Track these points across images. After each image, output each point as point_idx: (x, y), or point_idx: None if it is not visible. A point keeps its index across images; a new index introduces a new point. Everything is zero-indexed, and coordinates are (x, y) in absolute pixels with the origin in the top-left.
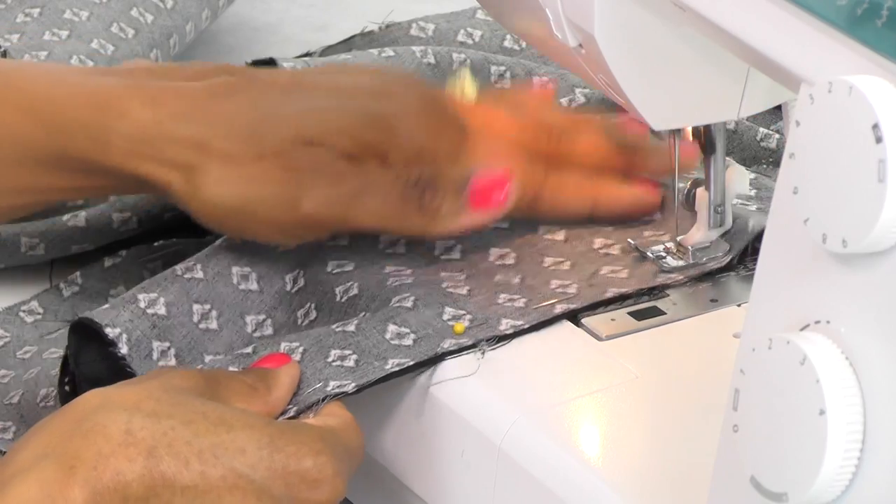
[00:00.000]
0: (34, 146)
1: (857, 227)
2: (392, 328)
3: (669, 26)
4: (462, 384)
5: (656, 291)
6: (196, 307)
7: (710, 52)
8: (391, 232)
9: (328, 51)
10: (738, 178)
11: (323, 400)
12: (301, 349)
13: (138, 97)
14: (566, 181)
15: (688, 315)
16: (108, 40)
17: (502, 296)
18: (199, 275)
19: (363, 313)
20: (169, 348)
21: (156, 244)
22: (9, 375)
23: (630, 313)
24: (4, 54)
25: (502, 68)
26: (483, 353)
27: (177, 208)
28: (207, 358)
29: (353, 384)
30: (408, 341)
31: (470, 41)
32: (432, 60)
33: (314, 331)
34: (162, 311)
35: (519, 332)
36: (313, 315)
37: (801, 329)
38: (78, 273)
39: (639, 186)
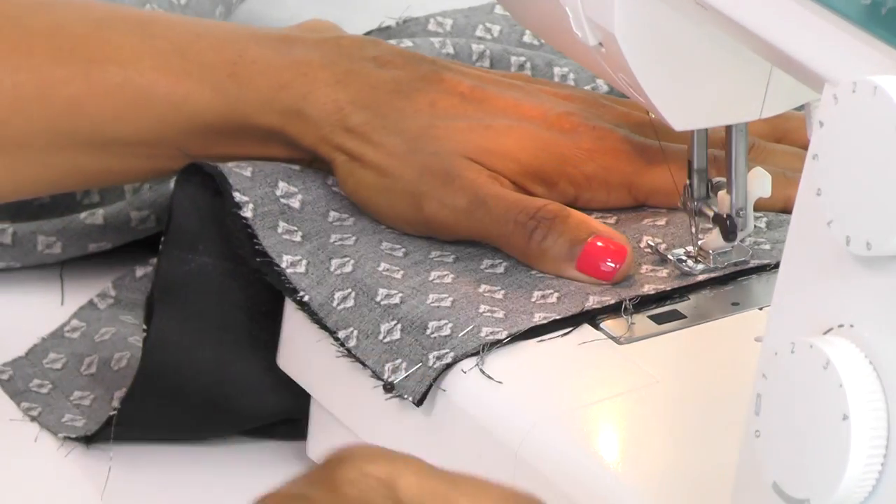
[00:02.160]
0: (217, 119)
1: (882, 229)
2: (536, 293)
3: (691, 25)
4: (479, 388)
5: (676, 295)
6: (333, 213)
7: (731, 52)
8: (503, 249)
9: None
10: (760, 182)
11: (483, 349)
12: (451, 299)
13: (323, 78)
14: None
15: (709, 318)
16: None
17: (535, 293)
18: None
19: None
20: (296, 231)
21: None
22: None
23: (650, 317)
24: None
25: (522, 59)
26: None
27: None
28: (335, 262)
29: (506, 332)
30: (552, 300)
31: (488, 36)
32: (451, 51)
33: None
34: (296, 205)
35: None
36: (448, 280)
37: (824, 333)
38: (110, 285)
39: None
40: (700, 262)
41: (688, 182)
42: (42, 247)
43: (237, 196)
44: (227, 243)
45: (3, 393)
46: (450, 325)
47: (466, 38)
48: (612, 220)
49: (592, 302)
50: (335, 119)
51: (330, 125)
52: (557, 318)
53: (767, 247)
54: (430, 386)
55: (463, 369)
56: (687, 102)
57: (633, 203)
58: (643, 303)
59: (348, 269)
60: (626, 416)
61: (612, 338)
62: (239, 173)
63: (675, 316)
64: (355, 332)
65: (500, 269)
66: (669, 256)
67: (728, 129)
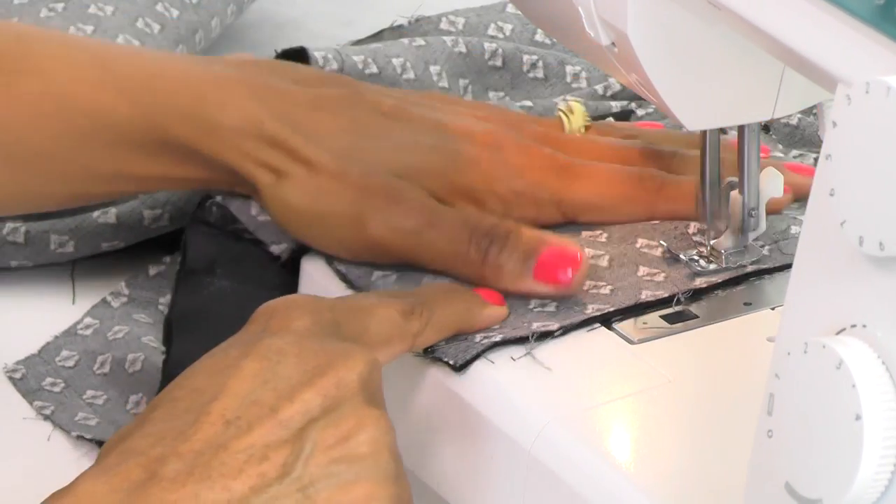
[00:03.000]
0: (133, 131)
1: (895, 229)
2: (588, 282)
3: (704, 25)
4: (492, 387)
5: (689, 295)
6: None
7: (744, 52)
8: (451, 275)
9: (357, 44)
10: (772, 181)
11: (531, 337)
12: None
13: (242, 90)
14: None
15: (721, 319)
16: (133, 36)
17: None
18: None
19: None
20: None
21: None
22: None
23: (662, 317)
24: None
25: (534, 58)
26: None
27: None
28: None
29: (558, 324)
30: (605, 291)
31: (501, 35)
32: (463, 50)
33: None
34: None
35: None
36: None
37: (837, 333)
38: (123, 283)
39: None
40: (712, 261)
41: (699, 182)
42: (55, 245)
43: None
44: (244, 266)
45: (15, 391)
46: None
47: (479, 36)
48: (602, 239)
49: (646, 295)
50: (255, 131)
51: (250, 139)
52: (611, 309)
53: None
54: (477, 356)
55: (513, 357)
56: (699, 102)
57: (563, 220)
58: (655, 303)
59: (391, 271)
60: (638, 416)
61: (625, 338)
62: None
63: (687, 316)
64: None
65: (657, 252)
66: (682, 256)
67: (740, 129)
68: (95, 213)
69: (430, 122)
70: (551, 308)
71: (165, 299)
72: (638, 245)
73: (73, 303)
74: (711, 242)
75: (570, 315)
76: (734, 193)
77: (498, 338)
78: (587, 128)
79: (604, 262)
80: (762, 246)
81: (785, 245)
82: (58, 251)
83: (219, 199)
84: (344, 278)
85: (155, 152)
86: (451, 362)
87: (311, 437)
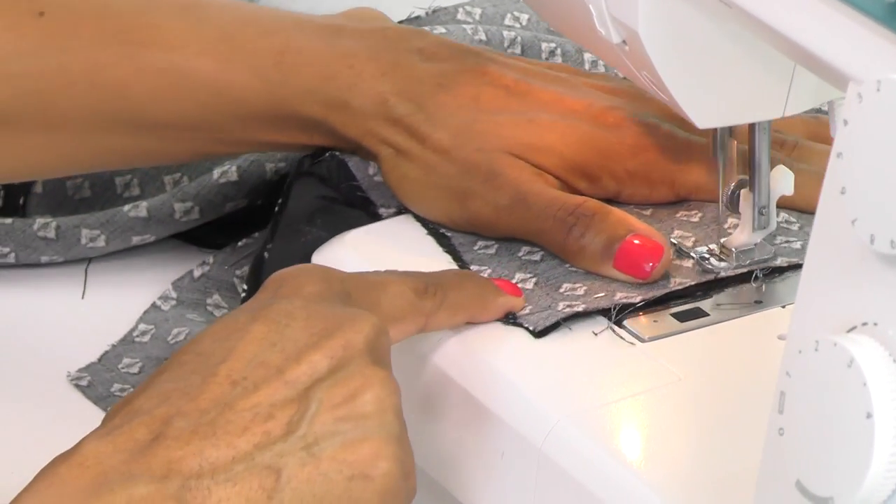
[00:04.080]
0: (260, 106)
1: None
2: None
3: (715, 23)
4: (504, 385)
5: (699, 293)
6: None
7: (755, 50)
8: (544, 246)
9: None
10: (783, 179)
11: (613, 310)
12: (533, 280)
13: (370, 69)
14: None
15: (731, 316)
16: None
17: (565, 285)
18: None
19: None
20: None
21: (239, 244)
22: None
23: (673, 314)
24: None
25: (553, 45)
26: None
27: (238, 198)
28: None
29: (583, 306)
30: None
31: (517, 25)
32: (483, 38)
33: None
34: None
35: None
36: (537, 257)
37: (848, 331)
38: (170, 286)
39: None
40: (723, 259)
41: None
42: (86, 240)
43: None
44: (345, 221)
45: (84, 398)
46: (584, 287)
47: (497, 25)
48: (646, 213)
49: (674, 285)
50: (380, 111)
51: (375, 117)
52: (691, 283)
53: (798, 245)
54: (558, 323)
55: (594, 331)
56: (710, 100)
57: (675, 199)
58: (665, 300)
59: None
60: (649, 413)
61: (636, 336)
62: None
63: (697, 314)
64: (488, 273)
65: (689, 243)
66: (692, 254)
67: (751, 127)
68: (126, 207)
69: (551, 97)
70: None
71: (213, 300)
72: (672, 237)
73: (83, 297)
74: (722, 240)
75: (652, 288)
76: (745, 192)
77: (580, 307)
78: None
79: (528, 285)
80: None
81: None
82: (89, 246)
83: (337, 153)
84: (448, 243)
85: (281, 124)
86: (531, 328)
87: (316, 397)
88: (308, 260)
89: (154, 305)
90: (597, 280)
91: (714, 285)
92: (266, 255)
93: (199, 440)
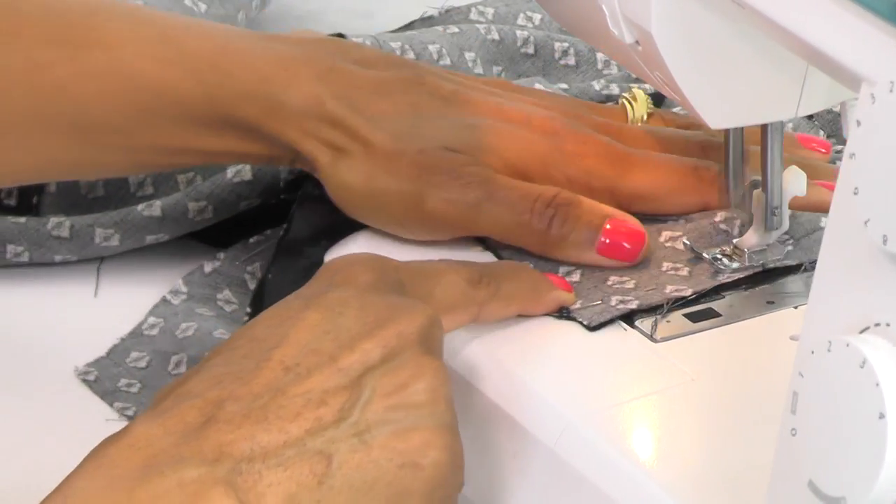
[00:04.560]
0: (198, 108)
1: None
2: (666, 264)
3: (728, 23)
4: (516, 385)
5: (712, 293)
6: None
7: (768, 50)
8: (513, 244)
9: (392, 33)
10: (795, 180)
11: (665, 306)
12: (579, 272)
13: (306, 71)
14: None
15: (744, 317)
16: None
17: (612, 277)
18: None
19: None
20: None
21: (251, 241)
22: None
23: (685, 315)
24: None
25: (566, 45)
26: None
27: (252, 197)
28: None
29: (636, 301)
30: (683, 272)
31: (529, 24)
32: (496, 37)
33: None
34: None
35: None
36: None
37: (861, 332)
38: (180, 282)
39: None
40: (735, 260)
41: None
42: (100, 239)
43: None
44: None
45: (92, 394)
46: (633, 280)
47: (510, 25)
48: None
49: (670, 290)
50: (317, 112)
51: (312, 118)
52: (742, 276)
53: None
54: (612, 319)
55: (667, 320)
56: (723, 101)
57: (617, 208)
58: (601, 327)
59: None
60: (661, 414)
61: (648, 336)
62: None
63: (710, 314)
64: (530, 267)
65: (679, 245)
66: (705, 255)
67: (764, 127)
68: (140, 207)
69: (489, 107)
70: (685, 272)
71: (223, 295)
72: (662, 239)
73: (95, 296)
74: (734, 241)
75: (701, 281)
76: (757, 192)
77: (634, 304)
78: (650, 115)
79: (575, 277)
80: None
81: (807, 243)
82: (102, 245)
83: None
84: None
85: (219, 129)
86: (585, 322)
87: (369, 385)
88: (336, 222)
89: (164, 299)
90: (643, 272)
91: (730, 285)
92: (269, 276)
93: (250, 424)
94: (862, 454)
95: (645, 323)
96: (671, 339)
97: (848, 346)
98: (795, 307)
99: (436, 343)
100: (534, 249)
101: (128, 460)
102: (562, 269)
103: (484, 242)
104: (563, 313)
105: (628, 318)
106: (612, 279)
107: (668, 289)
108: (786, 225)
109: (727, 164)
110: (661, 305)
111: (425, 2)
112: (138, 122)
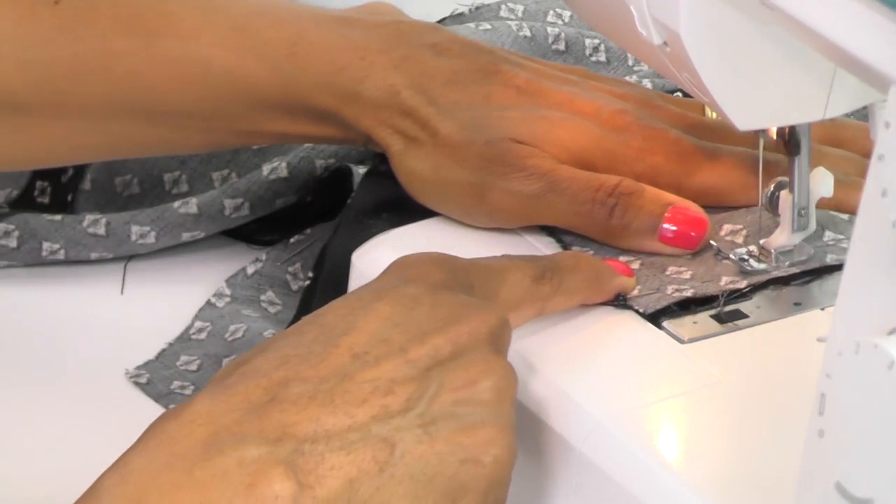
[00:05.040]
0: (273, 96)
1: None
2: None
3: (756, 25)
4: (544, 386)
5: (738, 294)
6: None
7: (796, 52)
8: (576, 231)
9: None
10: (823, 181)
11: (721, 297)
12: (639, 261)
13: (382, 61)
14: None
15: (771, 318)
16: None
17: (670, 268)
18: None
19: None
20: None
21: (291, 241)
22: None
23: (712, 316)
24: None
25: (596, 41)
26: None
27: (288, 193)
28: None
29: (692, 290)
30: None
31: (560, 21)
32: (528, 34)
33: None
34: None
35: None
36: None
37: (889, 333)
38: (224, 284)
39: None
40: (762, 261)
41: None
42: (136, 237)
43: None
44: (411, 217)
45: (146, 397)
46: (689, 271)
47: (540, 22)
48: None
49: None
50: (392, 102)
51: (387, 108)
52: (796, 270)
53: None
54: (668, 307)
55: (694, 321)
56: (751, 102)
57: None
58: (705, 301)
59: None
60: (688, 415)
61: (675, 337)
62: None
63: (737, 315)
64: (591, 254)
65: (739, 238)
66: (731, 255)
67: (791, 129)
68: (176, 204)
69: (561, 97)
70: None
71: (266, 297)
72: (722, 233)
73: (122, 293)
74: (761, 242)
75: (755, 275)
76: (784, 193)
77: (689, 292)
78: None
79: (635, 265)
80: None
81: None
82: (139, 242)
83: None
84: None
85: (294, 114)
86: (641, 310)
87: (437, 378)
88: (389, 214)
89: (209, 303)
90: (701, 264)
91: (760, 286)
92: (329, 244)
93: (315, 406)
94: (890, 455)
95: (672, 324)
96: (698, 340)
97: (876, 347)
98: (822, 308)
99: (504, 345)
100: (596, 238)
101: (188, 436)
102: (622, 256)
103: (546, 227)
104: (619, 300)
105: (655, 319)
106: (671, 269)
107: (724, 280)
108: (812, 226)
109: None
110: (717, 297)
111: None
112: (213, 107)
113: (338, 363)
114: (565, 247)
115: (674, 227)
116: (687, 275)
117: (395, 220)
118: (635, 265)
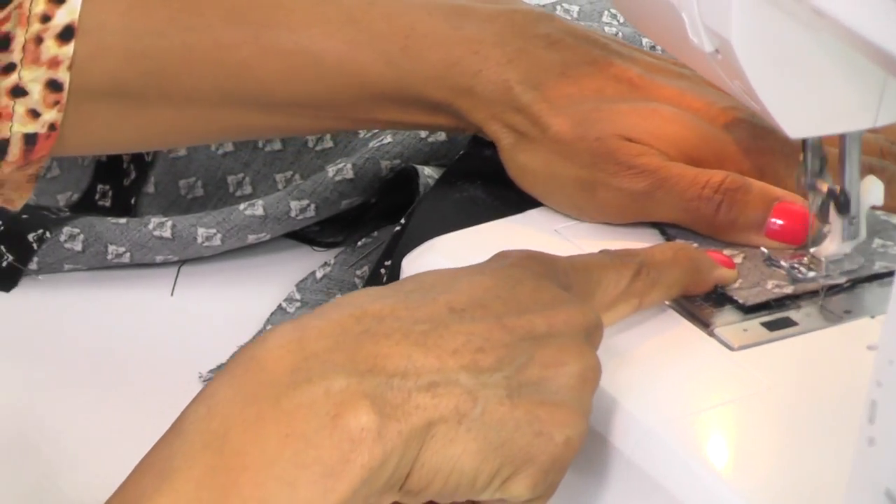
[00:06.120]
0: (386, 88)
1: None
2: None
3: (807, 32)
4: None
5: (788, 302)
6: None
7: (847, 60)
8: (684, 226)
9: None
10: (873, 189)
11: (821, 292)
12: (742, 254)
13: (495, 55)
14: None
15: (821, 326)
16: None
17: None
18: None
19: None
20: None
21: (359, 244)
22: None
23: (762, 324)
24: None
25: (653, 41)
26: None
27: (353, 195)
28: None
29: (792, 286)
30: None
31: (615, 22)
32: None
33: None
34: None
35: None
36: None
37: None
38: (294, 289)
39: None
40: (812, 269)
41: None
42: (202, 239)
43: None
44: (505, 188)
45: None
46: (739, 278)
47: (596, 22)
48: None
49: (878, 267)
50: (505, 98)
51: (499, 104)
52: (845, 280)
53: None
54: (767, 302)
55: (744, 328)
56: (802, 109)
57: None
58: (755, 309)
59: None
60: (738, 422)
61: (725, 344)
62: None
63: (787, 323)
64: (695, 247)
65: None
66: (782, 262)
67: (842, 136)
68: (242, 206)
69: (672, 93)
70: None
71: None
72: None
73: (172, 295)
74: (812, 250)
75: (855, 271)
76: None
77: (790, 289)
78: None
79: (738, 259)
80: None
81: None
82: (204, 245)
83: None
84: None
85: (407, 105)
86: (740, 301)
87: (528, 351)
88: (458, 216)
89: (280, 308)
90: (751, 271)
91: (803, 295)
92: (421, 203)
93: (409, 344)
94: None
95: (723, 331)
96: (748, 347)
97: None
98: (872, 317)
99: (596, 342)
100: (703, 232)
101: (276, 363)
102: (727, 249)
103: None
104: (717, 291)
105: (707, 325)
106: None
107: (770, 284)
108: (863, 234)
109: (804, 147)
110: (816, 292)
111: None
112: (325, 98)
113: (434, 311)
114: (669, 238)
115: (780, 222)
116: (736, 283)
117: (488, 189)
118: (738, 259)
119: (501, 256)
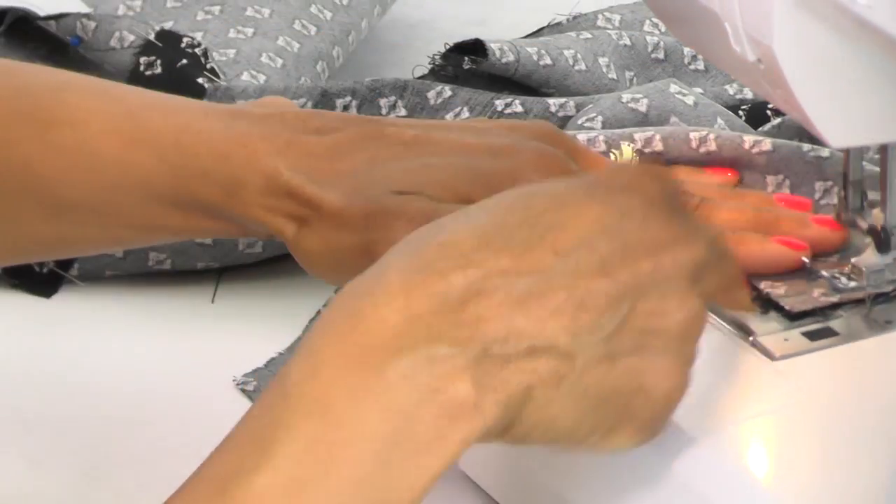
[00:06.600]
0: (163, 188)
1: None
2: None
3: (850, 42)
4: None
5: (830, 312)
6: None
7: (890, 70)
8: None
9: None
10: None
11: (868, 300)
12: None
13: (263, 148)
14: None
15: (862, 336)
16: (292, 37)
17: None
18: None
19: None
20: None
21: None
22: None
23: (803, 333)
24: (205, 53)
25: (695, 50)
26: None
27: None
28: None
29: (839, 296)
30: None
31: (657, 31)
32: (628, 42)
33: None
34: None
35: None
36: None
37: None
38: (334, 294)
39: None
40: (853, 279)
41: (842, 195)
42: (243, 246)
43: None
44: None
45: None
46: (784, 287)
47: (638, 31)
48: None
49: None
50: (276, 186)
51: (271, 194)
52: (889, 289)
53: None
54: (813, 309)
55: (785, 338)
56: (844, 119)
57: None
58: (797, 318)
59: None
60: (778, 432)
61: (767, 353)
62: None
63: (828, 333)
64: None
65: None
66: (823, 272)
67: (883, 147)
68: None
69: (451, 143)
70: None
71: None
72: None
73: (213, 301)
74: (853, 260)
75: (850, 291)
76: (875, 211)
77: (836, 298)
78: None
79: None
80: None
81: None
82: (246, 252)
83: None
84: None
85: (186, 208)
86: (787, 307)
87: (630, 300)
88: None
89: (319, 314)
90: (794, 282)
91: (843, 305)
92: None
93: (510, 304)
94: None
95: (763, 340)
96: (789, 357)
97: None
98: None
99: (705, 279)
100: None
101: (382, 324)
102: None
103: None
104: (763, 295)
105: (750, 333)
106: (764, 283)
107: (816, 293)
108: None
109: (845, 183)
110: (861, 301)
111: (538, 9)
112: (106, 199)
113: (538, 259)
114: None
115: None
116: (781, 290)
117: None
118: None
119: (616, 173)
